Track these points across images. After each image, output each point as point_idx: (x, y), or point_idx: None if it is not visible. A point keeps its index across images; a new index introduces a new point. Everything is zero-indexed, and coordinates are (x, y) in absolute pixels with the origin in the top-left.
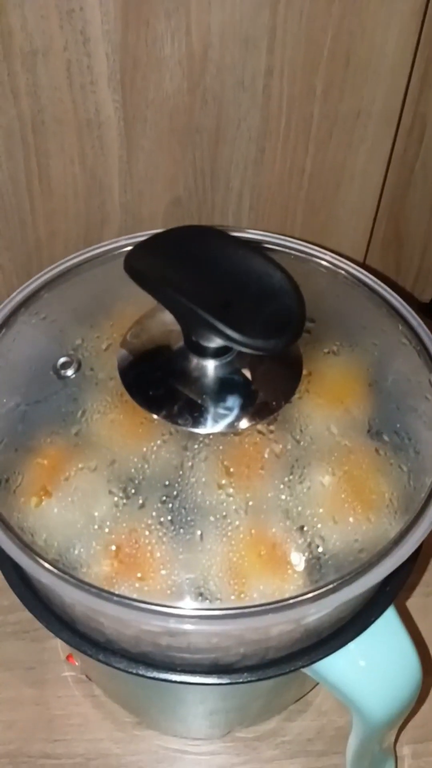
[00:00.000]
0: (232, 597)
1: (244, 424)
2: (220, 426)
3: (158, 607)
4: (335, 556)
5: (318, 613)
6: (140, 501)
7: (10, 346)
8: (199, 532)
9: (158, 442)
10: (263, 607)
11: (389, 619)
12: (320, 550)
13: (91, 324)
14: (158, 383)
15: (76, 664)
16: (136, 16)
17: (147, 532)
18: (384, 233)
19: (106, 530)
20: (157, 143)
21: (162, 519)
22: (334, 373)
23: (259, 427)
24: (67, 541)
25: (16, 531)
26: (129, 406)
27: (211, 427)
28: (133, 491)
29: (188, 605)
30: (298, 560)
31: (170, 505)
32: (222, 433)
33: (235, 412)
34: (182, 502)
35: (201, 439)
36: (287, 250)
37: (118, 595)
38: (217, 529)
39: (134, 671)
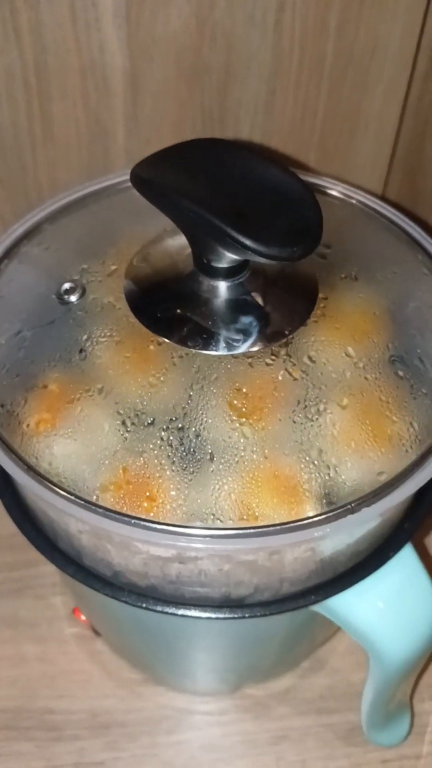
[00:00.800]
0: (244, 519)
1: (257, 346)
2: (232, 348)
3: (168, 527)
4: (353, 480)
5: (333, 534)
6: (149, 424)
7: (11, 276)
8: (209, 456)
9: (167, 365)
10: (277, 527)
11: (407, 556)
12: (337, 473)
13: (96, 252)
14: (167, 306)
15: (82, 618)
16: None
17: (156, 456)
18: (399, 188)
19: (114, 454)
20: (163, 84)
21: (172, 442)
22: (352, 298)
23: (273, 349)
24: (74, 465)
25: (20, 455)
26: (137, 329)
27: (222, 349)
28: (141, 415)
29: (198, 526)
30: (314, 484)
31: (180, 428)
32: (234, 356)
33: (247, 334)
34: (192, 425)
35: (212, 361)
36: None
37: (127, 515)
38: (229, 453)
39: (142, 605)
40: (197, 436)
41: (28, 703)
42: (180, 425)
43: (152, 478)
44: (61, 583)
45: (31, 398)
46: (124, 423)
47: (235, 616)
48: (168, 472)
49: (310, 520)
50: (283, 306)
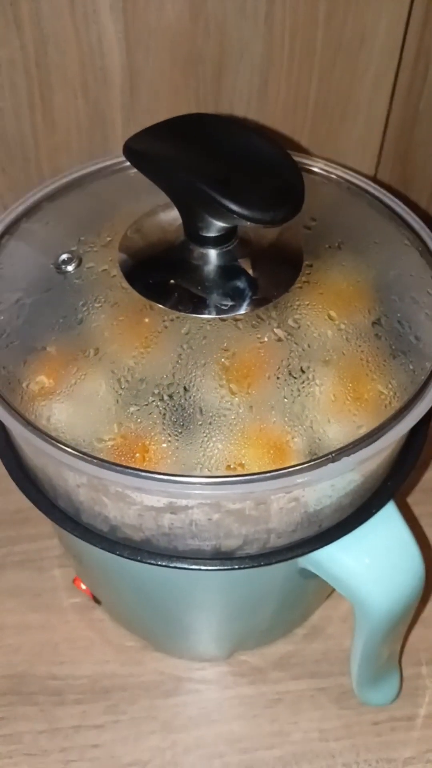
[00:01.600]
0: (232, 468)
1: (244, 310)
2: (221, 312)
3: (160, 475)
4: (335, 433)
5: (315, 482)
6: (142, 382)
7: (12, 250)
8: (199, 411)
9: (159, 327)
10: (262, 474)
11: (390, 512)
12: (320, 428)
13: (92, 226)
14: (159, 273)
15: (83, 588)
16: None
17: (149, 411)
18: (390, 173)
19: (109, 410)
20: (159, 73)
21: (163, 398)
22: (336, 266)
23: (259, 313)
24: (71, 422)
25: (21, 413)
26: (130, 295)
27: (211, 313)
28: (135, 374)
29: (188, 474)
30: (298, 439)
31: (170, 385)
32: (222, 319)
33: (235, 299)
34: (182, 383)
35: (202, 324)
36: None
37: (122, 465)
38: (217, 409)
39: (138, 558)
40: (187, 392)
41: (32, 669)
42: (170, 383)
43: (145, 433)
44: (62, 555)
45: (30, 360)
46: (119, 381)
47: (226, 567)
48: (160, 427)
49: (293, 468)
50: (270, 273)
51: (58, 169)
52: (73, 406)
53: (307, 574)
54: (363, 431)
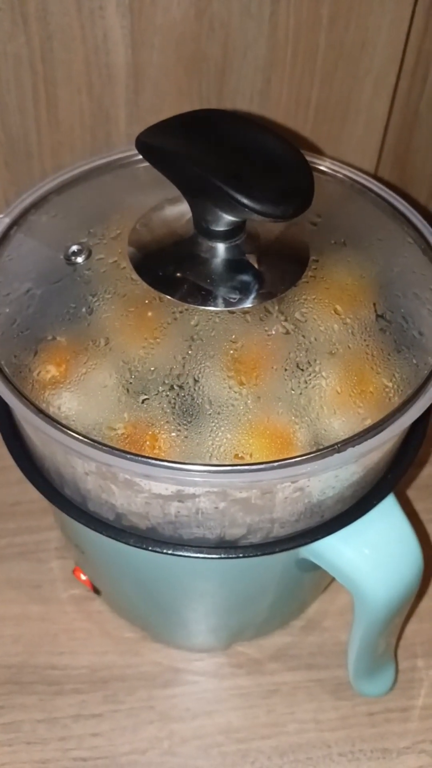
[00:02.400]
0: (239, 457)
1: (251, 303)
2: (229, 305)
3: (169, 463)
4: (340, 425)
5: (321, 472)
6: (151, 373)
7: (21, 241)
8: (207, 401)
9: (169, 319)
10: (268, 464)
11: (390, 505)
12: (326, 420)
13: (101, 219)
14: (168, 266)
15: (82, 578)
16: None
17: (158, 401)
18: (389, 176)
19: (119, 399)
20: (163, 71)
21: (173, 388)
22: (341, 261)
23: (267, 306)
24: (82, 410)
25: (32, 401)
26: (139, 287)
27: (220, 306)
28: (144, 364)
29: (196, 463)
30: (304, 430)
31: (179, 376)
32: (230, 312)
33: (243, 292)
34: (191, 374)
35: (210, 316)
36: None
37: (131, 453)
38: (225, 400)
39: (143, 546)
40: (196, 383)
41: (31, 659)
42: (179, 373)
43: (154, 422)
44: (62, 547)
45: (41, 350)
46: (129, 371)
47: (230, 555)
48: (169, 417)
49: (300, 458)
50: (277, 267)
51: (61, 165)
52: (83, 396)
53: (307, 565)
54: (368, 423)
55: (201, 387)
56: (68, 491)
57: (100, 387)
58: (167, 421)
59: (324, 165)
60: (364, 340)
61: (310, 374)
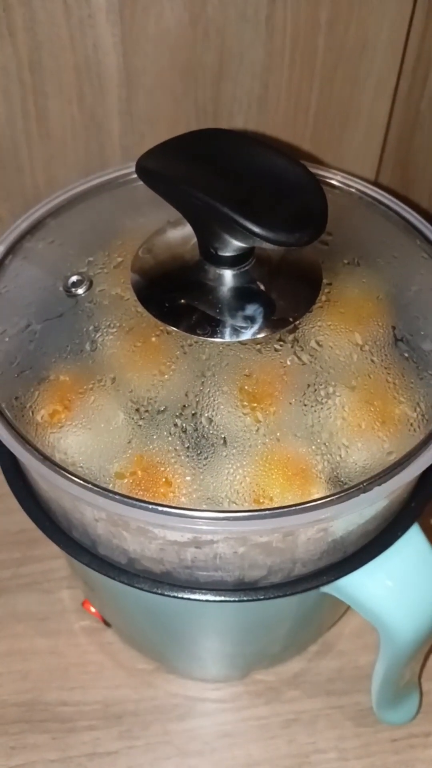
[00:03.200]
0: (259, 501)
1: (264, 332)
2: (240, 335)
3: (185, 511)
4: (363, 460)
5: (346, 513)
6: (162, 412)
7: (17, 270)
8: (222, 441)
9: (177, 353)
10: (291, 508)
11: (414, 535)
12: (348, 454)
13: (100, 245)
14: (174, 296)
15: (92, 611)
16: None
17: (170, 442)
18: (390, 179)
19: (129, 442)
20: (157, 80)
21: (185, 428)
22: (355, 283)
23: (281, 335)
24: (89, 454)
25: (36, 446)
26: (145, 319)
27: (230, 336)
28: (154, 403)
29: (215, 510)
30: (325, 466)
31: (193, 415)
32: (242, 343)
33: (255, 321)
34: (205, 411)
35: (221, 349)
36: None
37: (144, 501)
38: (241, 438)
39: (158, 591)
40: (210, 422)
41: (41, 695)
42: (193, 412)
43: (167, 465)
44: (70, 576)
45: (43, 390)
46: (137, 411)
47: (250, 598)
48: (183, 458)
49: (324, 500)
50: (289, 292)
51: (53, 179)
52: (90, 438)
53: (328, 597)
54: (393, 458)
55: (215, 426)
56: (77, 534)
57: (108, 429)
58: (181, 464)
59: (332, 178)
60: (385, 368)
61: (329, 407)
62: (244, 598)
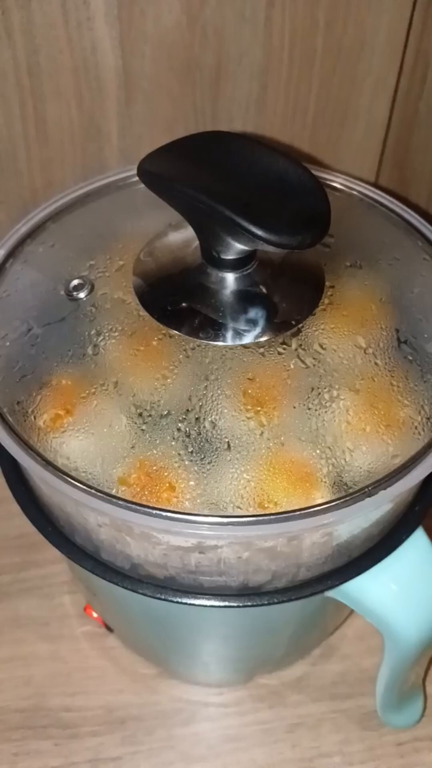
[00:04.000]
0: (263, 506)
1: (267, 336)
2: (243, 339)
3: (189, 516)
4: (368, 464)
5: (351, 517)
6: (165, 416)
7: (18, 274)
8: (226, 445)
9: (180, 357)
10: (296, 512)
11: (419, 538)
12: (352, 458)
13: (101, 248)
14: (176, 299)
15: (94, 615)
16: None
17: (174, 447)
18: (389, 180)
19: (132, 447)
20: (156, 82)
21: (189, 432)
22: (358, 285)
23: (284, 338)
24: (92, 459)
25: (38, 451)
26: (147, 323)
27: (233, 340)
28: (157, 407)
29: (219, 515)
30: (330, 470)
31: (196, 419)
32: (245, 346)
33: (258, 324)
34: (208, 416)
35: (224, 352)
36: None
37: (148, 506)
38: (245, 442)
39: (161, 596)
40: (213, 426)
41: (44, 701)
42: (196, 416)
43: (171, 469)
44: (71, 581)
45: (45, 394)
46: (140, 415)
47: (254, 603)
48: (186, 463)
49: (329, 505)
50: (292, 295)
51: (51, 182)
52: (93, 443)
53: (332, 601)
54: (398, 462)
55: (218, 430)
56: (79, 539)
57: (111, 433)
58: (184, 469)
59: (333, 180)
60: (389, 371)
61: (333, 411)
62: (249, 604)
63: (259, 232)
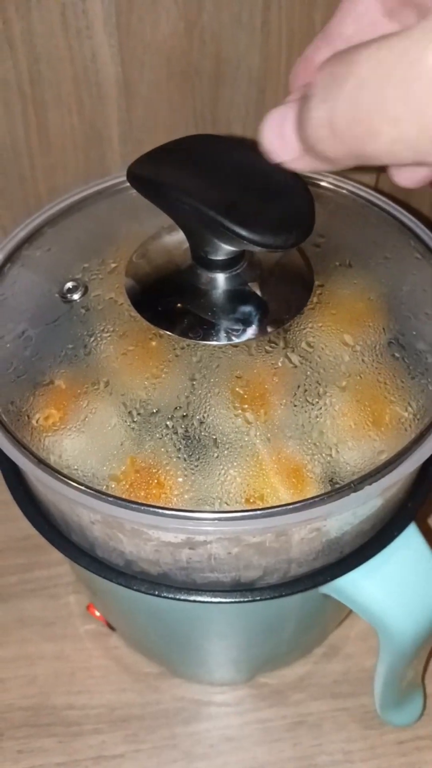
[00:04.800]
0: (251, 501)
1: (256, 335)
2: (232, 338)
3: (177, 512)
4: (355, 460)
5: (338, 512)
6: (154, 414)
7: (15, 278)
8: (214, 442)
9: (170, 356)
10: (283, 507)
11: (411, 535)
12: (339, 454)
13: (96, 251)
14: (167, 300)
15: (97, 614)
16: None
17: (163, 444)
18: (390, 185)
19: (122, 445)
20: (155, 88)
21: (177, 430)
22: (347, 284)
23: (272, 337)
24: (84, 457)
25: (31, 450)
26: (139, 323)
27: (223, 339)
28: (147, 405)
29: (207, 510)
30: (317, 466)
31: (184, 417)
32: (234, 345)
33: (247, 324)
34: (196, 413)
35: (213, 351)
36: None
37: (137, 503)
38: (233, 439)
39: (155, 593)
40: (201, 423)
41: (47, 700)
42: (184, 414)
43: (160, 466)
44: (75, 581)
45: (39, 395)
46: (130, 414)
47: (246, 599)
48: (175, 460)
49: (315, 500)
50: (281, 295)
51: (55, 188)
52: (85, 442)
53: (328, 598)
54: (384, 457)
55: (207, 427)
56: (75, 537)
57: (102, 432)
58: (173, 466)
59: (323, 180)
60: (376, 368)
61: (321, 408)
62: (241, 599)
63: (243, 233)
